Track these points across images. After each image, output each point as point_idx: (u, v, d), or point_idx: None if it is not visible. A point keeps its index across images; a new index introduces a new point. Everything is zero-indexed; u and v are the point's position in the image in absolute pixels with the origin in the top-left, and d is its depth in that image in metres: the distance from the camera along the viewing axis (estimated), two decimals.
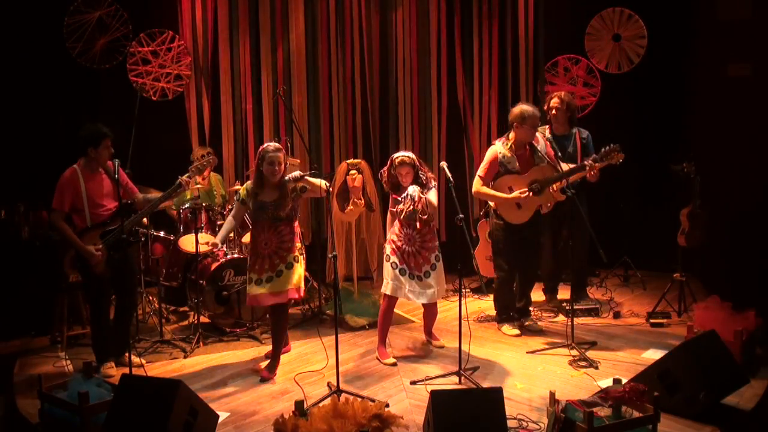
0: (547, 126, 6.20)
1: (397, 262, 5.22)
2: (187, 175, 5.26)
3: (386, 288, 5.28)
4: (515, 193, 5.53)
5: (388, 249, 5.30)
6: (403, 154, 5.18)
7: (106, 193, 5.09)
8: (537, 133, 5.66)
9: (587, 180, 5.85)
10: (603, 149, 5.59)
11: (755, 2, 6.73)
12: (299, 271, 5.07)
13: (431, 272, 5.25)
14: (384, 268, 5.35)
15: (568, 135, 6.16)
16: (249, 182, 5.14)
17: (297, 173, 4.98)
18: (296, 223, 5.15)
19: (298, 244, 5.12)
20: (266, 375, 5.05)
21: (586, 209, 6.16)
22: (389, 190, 5.29)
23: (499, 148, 5.63)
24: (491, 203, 5.81)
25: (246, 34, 7.24)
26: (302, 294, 5.17)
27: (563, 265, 6.48)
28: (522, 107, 5.56)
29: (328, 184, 5.06)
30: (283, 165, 5.01)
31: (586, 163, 5.58)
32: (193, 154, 6.65)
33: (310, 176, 5.04)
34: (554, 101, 6.17)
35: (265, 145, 5.06)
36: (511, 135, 5.60)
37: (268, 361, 5.18)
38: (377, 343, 5.44)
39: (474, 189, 5.72)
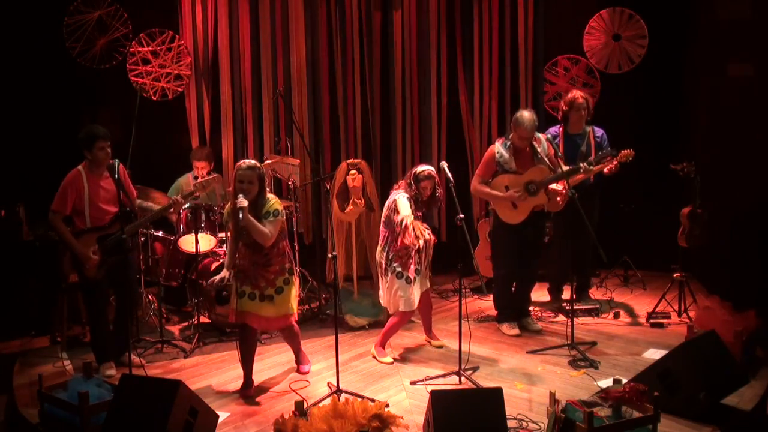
0: (560, 125, 6.17)
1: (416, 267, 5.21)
2: (188, 193, 5.33)
3: (407, 305, 5.17)
4: (509, 193, 5.55)
5: (412, 267, 5.17)
6: (428, 168, 5.22)
7: (108, 197, 5.04)
8: (539, 134, 5.66)
9: (605, 175, 5.89)
10: (599, 153, 5.75)
11: (755, 2, 6.72)
12: (290, 295, 4.77)
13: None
14: (397, 287, 5.18)
15: (581, 134, 6.13)
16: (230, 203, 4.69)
17: (243, 204, 4.44)
18: (283, 244, 4.75)
19: (287, 265, 4.76)
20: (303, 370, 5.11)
21: (598, 211, 6.17)
22: (414, 207, 5.21)
23: (497, 147, 5.64)
24: (489, 202, 5.84)
25: (246, 34, 7.23)
26: (292, 319, 4.90)
27: (569, 266, 6.47)
28: (521, 113, 5.52)
29: (270, 232, 4.52)
30: (255, 186, 4.54)
31: (581, 165, 5.57)
32: (192, 155, 6.62)
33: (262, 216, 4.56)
34: (579, 101, 6.01)
35: (240, 161, 4.69)
36: (511, 135, 5.63)
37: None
38: (376, 345, 5.44)
39: (472, 187, 5.81)
